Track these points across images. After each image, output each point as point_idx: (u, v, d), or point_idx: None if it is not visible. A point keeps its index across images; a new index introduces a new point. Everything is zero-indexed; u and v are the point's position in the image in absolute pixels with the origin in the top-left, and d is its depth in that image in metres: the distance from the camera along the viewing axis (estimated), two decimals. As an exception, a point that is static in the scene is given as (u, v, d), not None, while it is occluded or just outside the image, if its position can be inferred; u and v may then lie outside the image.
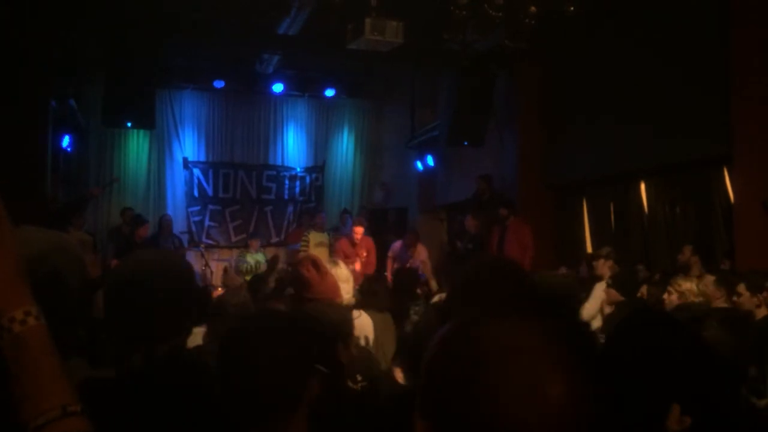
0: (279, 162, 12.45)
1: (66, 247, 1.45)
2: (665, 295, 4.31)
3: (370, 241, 8.88)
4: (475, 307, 0.83)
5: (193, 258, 11.23)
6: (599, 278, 5.23)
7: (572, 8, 6.45)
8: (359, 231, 8.52)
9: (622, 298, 4.94)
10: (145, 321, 1.48)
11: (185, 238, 11.18)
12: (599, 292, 4.88)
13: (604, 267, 6.01)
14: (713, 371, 1.62)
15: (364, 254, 8.58)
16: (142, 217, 9.86)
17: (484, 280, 1.77)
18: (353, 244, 8.54)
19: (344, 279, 3.54)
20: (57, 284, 1.35)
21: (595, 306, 4.85)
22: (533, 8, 6.46)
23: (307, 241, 9.23)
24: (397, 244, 9.57)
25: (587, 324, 3.98)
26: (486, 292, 1.70)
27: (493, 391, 0.73)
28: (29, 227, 1.53)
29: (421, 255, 9.07)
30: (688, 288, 4.24)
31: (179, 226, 11.17)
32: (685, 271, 5.78)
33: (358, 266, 8.33)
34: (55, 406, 0.91)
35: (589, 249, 7.40)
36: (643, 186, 7.91)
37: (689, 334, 1.70)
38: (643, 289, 5.21)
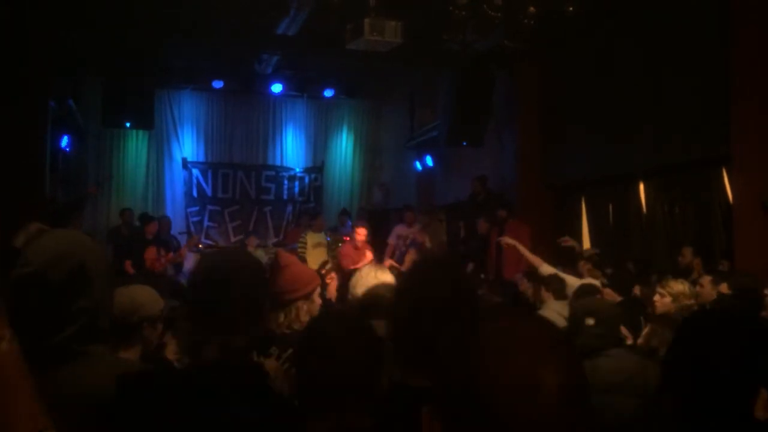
0: (278, 162, 12.45)
1: (90, 245, 1.62)
2: (656, 297, 4.19)
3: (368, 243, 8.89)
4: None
5: (191, 259, 11.24)
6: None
7: (571, 8, 6.44)
8: (362, 233, 8.47)
9: (619, 298, 4.95)
10: (222, 315, 1.56)
11: (184, 238, 11.18)
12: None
13: (583, 268, 6.04)
14: None
15: (370, 256, 8.56)
16: (148, 215, 9.89)
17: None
18: (356, 247, 8.51)
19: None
20: (82, 278, 1.52)
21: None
22: (532, 8, 6.45)
23: (305, 242, 9.23)
24: (399, 228, 9.70)
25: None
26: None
27: (492, 385, 0.76)
28: (57, 230, 1.80)
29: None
30: (680, 290, 4.21)
31: (178, 226, 11.17)
32: (686, 273, 5.76)
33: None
34: (33, 430, 0.91)
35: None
36: (642, 186, 7.91)
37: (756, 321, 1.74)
38: (636, 289, 5.21)
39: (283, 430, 1.48)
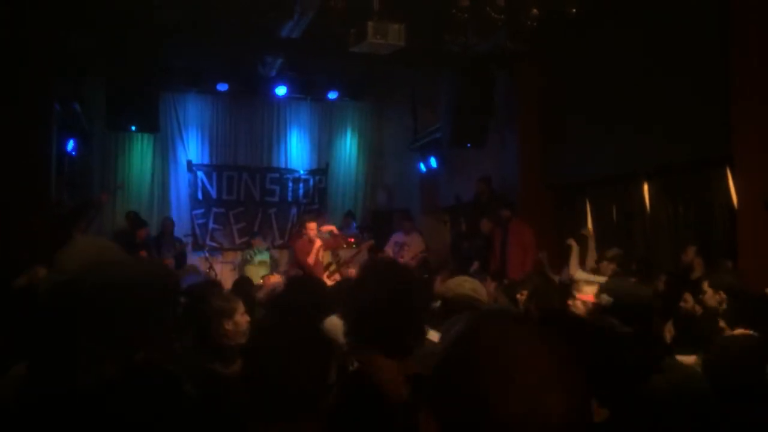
0: (282, 164, 12.49)
1: (118, 254, 1.65)
2: (570, 301, 3.78)
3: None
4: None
5: (197, 261, 11.29)
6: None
7: (573, 10, 6.47)
8: (312, 227, 8.76)
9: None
10: (122, 329, 1.50)
11: (189, 240, 11.23)
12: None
13: (607, 268, 6.05)
14: None
15: (319, 243, 8.75)
16: (140, 219, 9.91)
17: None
18: (309, 240, 8.69)
19: None
20: (114, 285, 1.51)
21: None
22: (535, 10, 6.48)
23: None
24: (397, 236, 9.81)
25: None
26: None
27: (496, 400, 0.75)
28: (84, 237, 1.73)
29: (414, 247, 9.36)
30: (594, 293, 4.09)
31: (183, 228, 11.22)
32: (688, 271, 5.77)
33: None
34: None
35: (591, 250, 7.38)
36: (645, 186, 7.92)
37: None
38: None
39: None
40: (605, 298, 2.82)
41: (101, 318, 1.50)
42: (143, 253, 8.97)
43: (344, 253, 9.81)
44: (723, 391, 2.76)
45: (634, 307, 2.74)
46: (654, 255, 7.56)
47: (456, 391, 0.78)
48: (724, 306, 3.86)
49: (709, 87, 6.62)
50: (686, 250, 6.27)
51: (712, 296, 4.10)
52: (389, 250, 9.73)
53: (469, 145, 9.75)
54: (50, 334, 1.51)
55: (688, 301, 4.78)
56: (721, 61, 6.37)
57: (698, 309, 4.50)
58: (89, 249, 1.60)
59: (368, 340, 1.77)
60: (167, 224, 10.45)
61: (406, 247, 9.46)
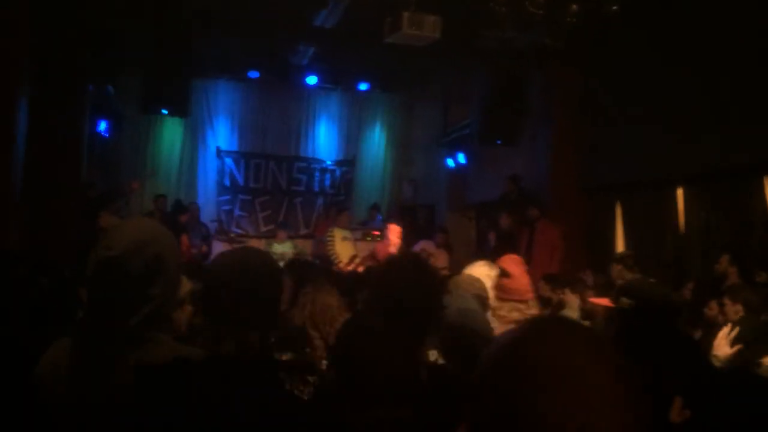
0: (310, 154, 12.49)
1: (167, 236, 1.71)
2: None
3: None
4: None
5: (221, 247, 11.34)
6: (613, 282, 5.19)
7: (614, 7, 6.32)
8: (395, 230, 8.51)
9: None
10: (238, 312, 1.62)
11: (214, 227, 11.29)
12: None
13: (615, 270, 5.95)
14: None
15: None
16: (182, 204, 10.09)
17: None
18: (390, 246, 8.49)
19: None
20: (157, 267, 1.60)
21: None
22: (574, 6, 6.35)
23: (333, 237, 9.24)
24: (424, 243, 9.65)
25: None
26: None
27: (541, 419, 0.69)
28: (133, 219, 1.97)
29: (439, 262, 9.15)
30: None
31: (209, 214, 11.29)
32: (721, 281, 5.65)
33: None
34: None
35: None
36: (679, 192, 7.75)
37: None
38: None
39: (285, 427, 1.51)
40: (625, 302, 2.70)
41: (220, 300, 1.63)
42: (185, 238, 9.20)
43: (367, 246, 9.75)
44: None
45: (656, 308, 2.62)
46: (684, 263, 7.41)
47: (502, 399, 0.73)
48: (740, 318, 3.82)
49: (752, 96, 6.44)
50: (720, 259, 6.12)
51: (731, 307, 4.06)
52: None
53: (499, 141, 9.64)
54: (97, 308, 1.60)
55: (713, 308, 4.76)
56: (766, 66, 6.18)
57: (722, 318, 4.46)
58: (139, 230, 1.65)
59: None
60: (193, 209, 10.51)
61: (432, 258, 9.29)
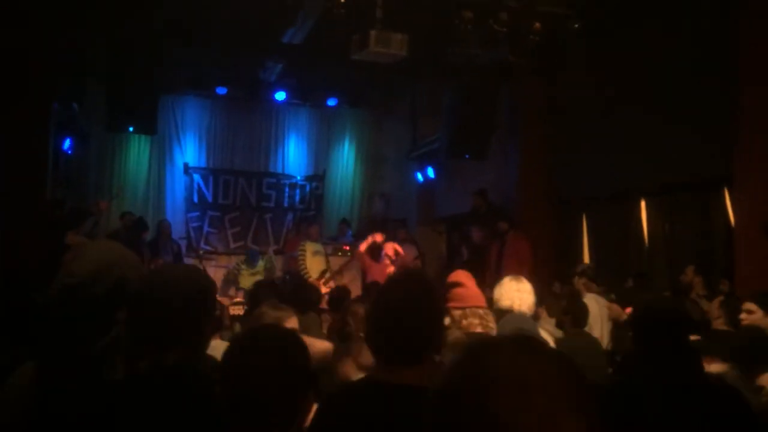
0: (279, 170, 12.46)
1: (131, 259, 1.71)
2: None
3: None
4: None
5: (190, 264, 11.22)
6: (577, 294, 5.27)
7: (576, 25, 6.47)
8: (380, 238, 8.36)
9: (625, 314, 4.94)
10: (156, 330, 1.60)
11: (184, 243, 11.18)
12: None
13: (578, 283, 6.04)
14: None
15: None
16: (144, 222, 9.93)
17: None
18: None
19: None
20: (122, 291, 1.59)
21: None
22: (537, 24, 6.48)
23: (304, 251, 9.21)
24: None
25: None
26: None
27: (504, 427, 0.73)
28: (99, 240, 1.81)
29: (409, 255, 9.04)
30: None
31: (178, 231, 11.15)
32: (687, 291, 5.76)
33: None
34: None
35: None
36: (643, 204, 7.92)
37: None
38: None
39: None
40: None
41: (140, 318, 1.61)
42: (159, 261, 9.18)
43: (337, 261, 9.72)
44: None
45: (664, 322, 2.60)
46: (651, 273, 7.56)
47: (462, 412, 0.77)
48: None
49: (710, 109, 6.63)
50: (686, 270, 6.26)
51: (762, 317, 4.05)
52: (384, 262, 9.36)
53: (468, 156, 9.73)
54: (61, 333, 1.57)
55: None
56: (725, 81, 6.38)
57: None
58: (102, 254, 1.64)
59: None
60: (164, 227, 10.39)
61: (403, 255, 9.16)
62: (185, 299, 1.64)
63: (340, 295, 5.70)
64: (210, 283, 1.85)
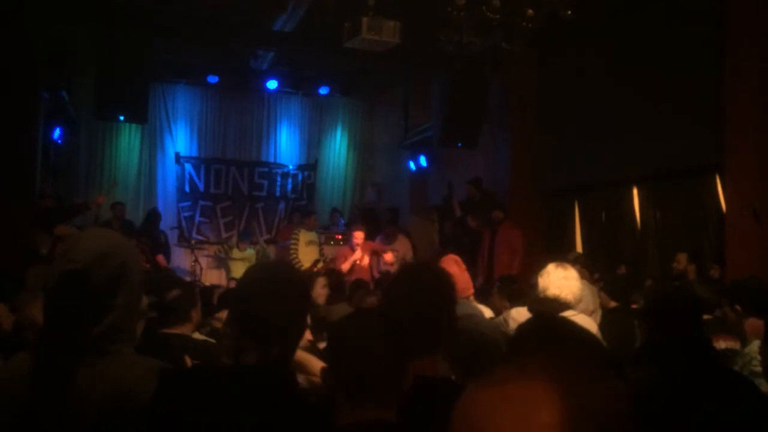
0: (271, 159, 12.41)
1: (130, 247, 1.75)
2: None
3: (369, 244, 8.59)
4: None
5: (182, 254, 11.19)
6: None
7: (569, 12, 6.45)
8: (359, 236, 8.29)
9: (613, 303, 4.95)
10: (265, 326, 1.71)
11: (175, 233, 11.14)
12: None
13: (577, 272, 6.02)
14: None
15: (366, 258, 8.38)
16: (156, 212, 10.33)
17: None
18: (352, 249, 8.32)
19: None
20: (120, 278, 1.61)
21: None
22: (530, 11, 6.46)
23: (297, 239, 9.18)
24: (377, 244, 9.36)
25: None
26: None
27: None
28: (98, 228, 2.04)
29: (401, 251, 8.93)
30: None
31: (169, 221, 11.11)
32: (681, 279, 5.78)
33: (365, 262, 8.25)
34: None
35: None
36: (635, 192, 7.94)
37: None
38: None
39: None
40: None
41: (250, 314, 1.73)
42: (160, 257, 9.60)
43: (330, 250, 9.71)
44: None
45: (678, 312, 2.58)
46: (644, 260, 7.59)
47: None
48: None
49: (702, 94, 6.64)
50: (678, 258, 6.28)
51: None
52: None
53: (459, 145, 9.72)
54: (62, 319, 1.58)
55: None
56: (715, 68, 6.39)
57: None
58: (102, 241, 1.65)
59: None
60: (154, 216, 10.36)
61: (394, 251, 8.95)
62: (292, 298, 1.77)
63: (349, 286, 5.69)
64: (306, 283, 2.01)
